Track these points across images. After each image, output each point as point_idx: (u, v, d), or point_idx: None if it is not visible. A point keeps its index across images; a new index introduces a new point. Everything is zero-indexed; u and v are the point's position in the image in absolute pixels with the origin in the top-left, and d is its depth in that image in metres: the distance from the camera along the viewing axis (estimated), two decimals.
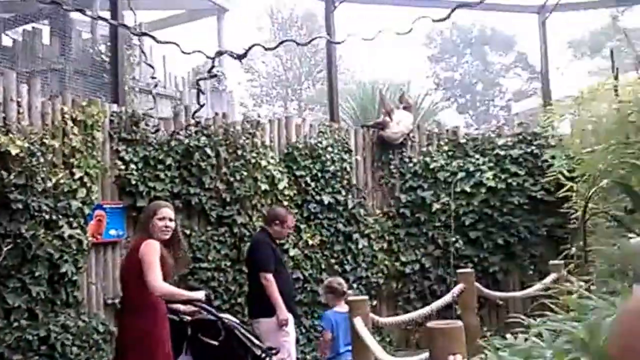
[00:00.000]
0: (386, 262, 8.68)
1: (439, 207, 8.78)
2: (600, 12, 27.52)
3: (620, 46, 31.54)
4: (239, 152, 7.53)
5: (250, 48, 5.38)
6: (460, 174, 8.85)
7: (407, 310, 8.40)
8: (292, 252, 7.85)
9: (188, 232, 7.19)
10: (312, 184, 8.19)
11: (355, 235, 8.48)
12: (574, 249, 6.70)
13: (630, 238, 3.80)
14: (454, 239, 8.74)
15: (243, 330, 4.90)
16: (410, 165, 8.88)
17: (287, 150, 8.13)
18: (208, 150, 7.23)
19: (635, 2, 22.12)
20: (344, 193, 8.44)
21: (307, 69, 33.13)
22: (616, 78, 6.19)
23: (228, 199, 7.41)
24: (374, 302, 8.40)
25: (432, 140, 9.06)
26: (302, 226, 8.04)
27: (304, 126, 8.42)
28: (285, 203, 7.83)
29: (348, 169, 8.58)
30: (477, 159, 8.95)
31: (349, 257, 8.42)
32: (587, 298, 2.84)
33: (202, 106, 6.18)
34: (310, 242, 8.06)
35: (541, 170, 8.90)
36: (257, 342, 4.96)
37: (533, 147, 8.99)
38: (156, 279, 4.41)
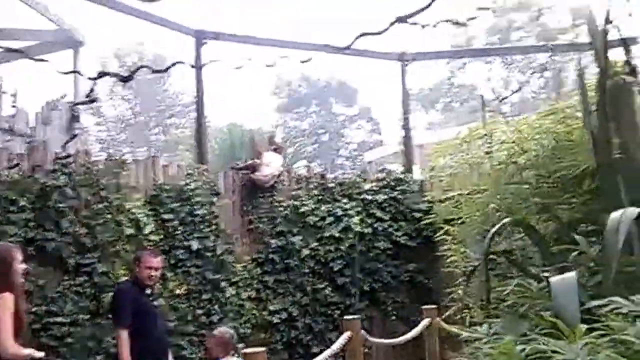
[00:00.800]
0: (254, 312, 8.33)
1: (307, 252, 8.62)
2: (440, 67, 29.64)
3: (455, 99, 34.11)
4: (102, 193, 6.94)
5: (134, 71, 4.97)
6: (329, 219, 8.79)
7: None
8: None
9: (41, 282, 6.44)
10: (180, 229, 7.72)
11: (223, 284, 8.06)
12: (453, 294, 6.81)
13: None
14: (322, 286, 8.60)
15: None
16: (281, 209, 8.68)
17: (154, 192, 7.63)
18: (68, 191, 6.58)
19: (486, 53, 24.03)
20: (212, 238, 8.04)
21: (156, 115, 32.27)
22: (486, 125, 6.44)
23: (88, 245, 6.75)
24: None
25: (301, 184, 8.94)
26: (169, 274, 7.51)
27: (171, 168, 7.97)
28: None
29: (216, 212, 8.21)
30: (345, 203, 8.95)
31: (216, 307, 7.97)
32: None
33: (74, 137, 5.62)
34: (177, 292, 7.54)
35: (403, 215, 9.09)
36: None
37: (396, 193, 9.16)
38: (8, 341, 4.15)
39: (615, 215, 2.93)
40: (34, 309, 6.31)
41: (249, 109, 37.93)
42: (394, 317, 8.87)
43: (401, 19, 4.77)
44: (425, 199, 9.15)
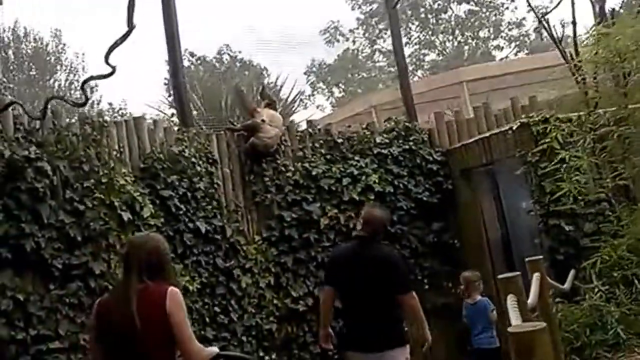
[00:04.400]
0: (275, 301, 6.69)
1: (326, 222, 7.07)
2: None
3: None
4: (85, 167, 5.06)
5: None
6: (345, 180, 7.27)
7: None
8: None
9: (21, 297, 4.55)
10: (183, 208, 5.96)
11: (237, 272, 6.39)
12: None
13: None
14: None
15: None
16: (289, 174, 7.05)
17: (144, 164, 5.81)
18: (44, 166, 4.67)
19: None
20: (219, 217, 6.33)
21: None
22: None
23: (78, 238, 4.89)
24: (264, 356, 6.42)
25: (305, 143, 7.35)
26: (178, 267, 5.74)
27: (157, 131, 6.15)
28: None
29: (217, 185, 6.49)
30: (358, 161, 7.45)
31: (232, 302, 6.29)
32: None
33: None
34: (190, 288, 5.80)
35: (420, 169, 7.72)
36: None
37: (411, 143, 7.77)
38: (198, 347, 3.36)
39: None
40: (18, 337, 4.43)
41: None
42: (427, 286, 7.50)
43: None
44: (438, 148, 7.86)
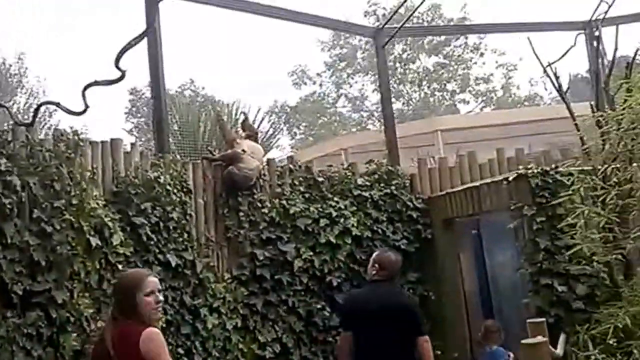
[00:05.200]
0: (241, 346, 6.29)
1: (300, 264, 6.74)
2: None
3: None
4: (56, 185, 4.66)
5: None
6: (323, 221, 6.98)
7: None
8: None
9: None
10: (154, 237, 5.57)
11: (204, 310, 5.99)
12: None
13: None
14: (319, 306, 6.76)
15: None
16: (265, 210, 6.73)
17: (118, 188, 5.42)
18: (13, 180, 4.26)
19: None
20: (190, 251, 5.95)
21: None
22: None
23: (42, 263, 4.45)
24: None
25: (284, 179, 7.05)
26: None
27: (134, 154, 5.78)
28: (120, 267, 5.08)
29: (190, 216, 6.13)
30: (337, 202, 7.19)
31: (197, 343, 5.87)
32: None
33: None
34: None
35: (399, 215, 7.50)
36: None
37: (392, 188, 7.55)
38: None
39: None
40: None
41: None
42: None
43: None
44: (419, 195, 7.67)
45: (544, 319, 4.48)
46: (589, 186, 4.63)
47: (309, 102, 29.60)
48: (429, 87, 28.51)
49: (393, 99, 27.10)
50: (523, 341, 3.27)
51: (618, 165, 4.52)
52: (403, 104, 28.34)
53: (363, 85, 29.49)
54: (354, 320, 4.92)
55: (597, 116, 4.67)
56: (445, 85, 28.38)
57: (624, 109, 4.23)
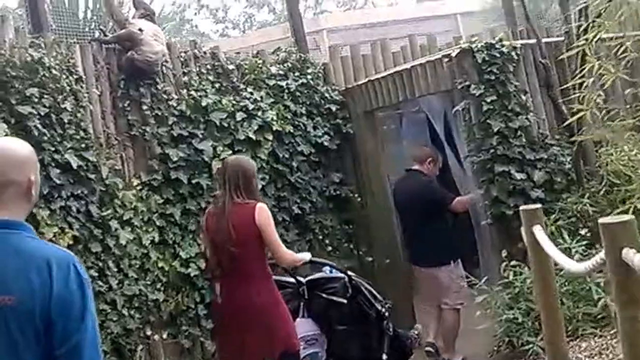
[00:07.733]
0: (161, 264, 5.25)
1: (219, 166, 5.72)
2: None
3: None
4: None
5: None
6: (239, 115, 5.97)
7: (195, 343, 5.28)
8: None
9: None
10: (47, 133, 4.31)
11: (114, 224, 4.86)
12: None
13: None
14: None
15: (368, 287, 4.66)
16: (172, 103, 5.58)
17: None
18: None
19: None
20: (90, 151, 4.74)
21: None
22: None
23: None
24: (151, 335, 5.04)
25: (190, 67, 5.90)
26: (43, 214, 4.14)
27: (5, 29, 4.39)
28: None
29: (84, 109, 4.88)
30: (252, 94, 6.18)
31: (110, 263, 4.77)
32: None
33: None
34: (61, 243, 4.20)
35: (317, 108, 6.66)
36: (379, 297, 4.64)
37: (309, 77, 6.65)
38: (287, 251, 4.24)
39: None
40: None
41: None
42: (330, 248, 6.45)
43: None
44: (335, 87, 6.86)
45: (539, 205, 3.86)
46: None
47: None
48: None
49: (255, 10, 25.75)
50: (602, 220, 2.34)
51: None
52: (268, 13, 26.82)
53: None
54: None
55: None
56: None
57: None
